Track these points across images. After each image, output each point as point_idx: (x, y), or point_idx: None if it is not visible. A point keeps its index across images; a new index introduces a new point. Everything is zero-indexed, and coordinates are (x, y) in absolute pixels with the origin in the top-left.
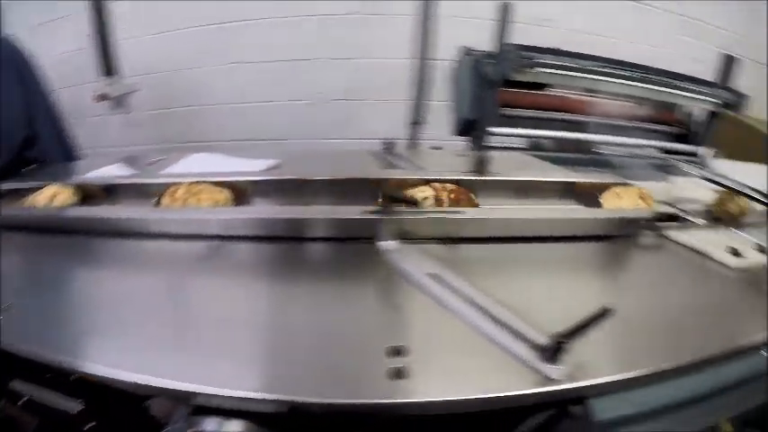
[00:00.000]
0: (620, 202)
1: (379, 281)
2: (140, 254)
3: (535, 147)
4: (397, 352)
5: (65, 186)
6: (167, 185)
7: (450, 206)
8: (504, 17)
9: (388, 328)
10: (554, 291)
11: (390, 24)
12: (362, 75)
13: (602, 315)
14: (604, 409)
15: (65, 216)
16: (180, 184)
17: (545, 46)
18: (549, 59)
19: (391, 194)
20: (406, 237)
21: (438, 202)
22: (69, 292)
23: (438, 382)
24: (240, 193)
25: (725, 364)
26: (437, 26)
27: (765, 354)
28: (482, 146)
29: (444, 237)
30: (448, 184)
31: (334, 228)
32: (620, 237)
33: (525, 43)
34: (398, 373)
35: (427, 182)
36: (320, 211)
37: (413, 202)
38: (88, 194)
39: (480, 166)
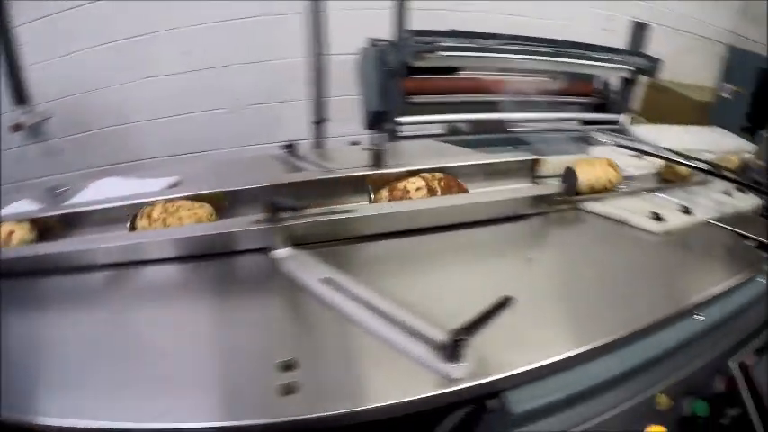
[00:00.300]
0: (594, 170)
1: (272, 292)
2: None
3: (452, 132)
4: (287, 366)
5: (20, 222)
6: (131, 208)
7: (442, 194)
8: (401, 3)
9: (280, 341)
10: (463, 281)
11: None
12: (280, 76)
13: (503, 305)
14: (527, 398)
15: (35, 255)
16: (154, 203)
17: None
18: (449, 42)
19: (274, 202)
20: (299, 243)
21: (431, 191)
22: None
23: (331, 394)
24: (220, 205)
25: (653, 334)
26: (332, 20)
27: (698, 317)
28: (394, 137)
29: (344, 238)
30: (437, 173)
31: (227, 242)
32: (535, 215)
33: (431, 29)
34: (288, 389)
35: (416, 173)
36: (207, 228)
37: (294, 208)
38: (45, 228)
39: (378, 159)
